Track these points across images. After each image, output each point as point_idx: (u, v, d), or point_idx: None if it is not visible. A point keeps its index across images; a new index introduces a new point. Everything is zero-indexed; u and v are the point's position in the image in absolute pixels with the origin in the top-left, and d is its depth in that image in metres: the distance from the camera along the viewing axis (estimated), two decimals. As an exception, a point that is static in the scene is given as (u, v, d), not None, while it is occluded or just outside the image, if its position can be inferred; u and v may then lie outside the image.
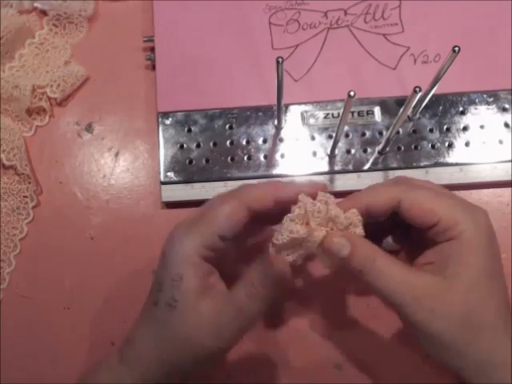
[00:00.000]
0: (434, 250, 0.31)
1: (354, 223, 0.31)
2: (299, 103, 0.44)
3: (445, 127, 0.43)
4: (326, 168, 0.43)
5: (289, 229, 0.30)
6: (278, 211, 0.32)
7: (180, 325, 0.31)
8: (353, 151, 0.43)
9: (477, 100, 0.44)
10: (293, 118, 0.44)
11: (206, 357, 0.31)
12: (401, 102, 0.43)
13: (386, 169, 0.43)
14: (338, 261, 0.30)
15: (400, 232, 0.35)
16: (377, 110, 0.44)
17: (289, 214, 0.30)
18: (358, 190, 0.42)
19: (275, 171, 0.43)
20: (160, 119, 0.44)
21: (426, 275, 0.30)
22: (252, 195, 0.32)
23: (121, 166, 0.45)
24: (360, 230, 0.31)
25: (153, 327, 0.32)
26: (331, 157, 0.43)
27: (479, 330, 0.29)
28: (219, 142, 0.43)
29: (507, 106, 0.44)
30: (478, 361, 0.29)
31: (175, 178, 0.43)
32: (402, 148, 0.43)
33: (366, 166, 0.43)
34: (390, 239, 0.36)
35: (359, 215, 0.31)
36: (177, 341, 0.31)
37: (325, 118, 0.44)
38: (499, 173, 0.42)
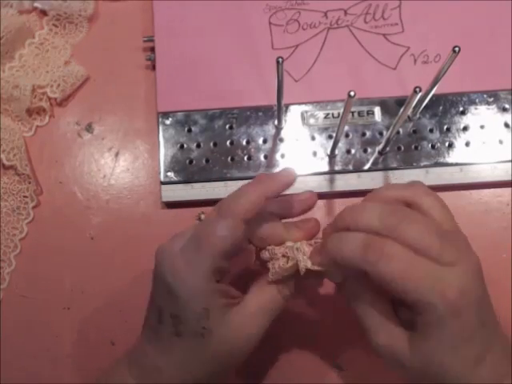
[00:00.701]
0: (408, 310, 0.31)
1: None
2: (299, 103, 0.44)
3: (445, 127, 0.43)
4: (326, 168, 0.43)
5: (275, 270, 0.33)
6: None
7: (220, 343, 0.32)
8: (353, 151, 0.43)
9: (477, 100, 0.44)
10: (293, 117, 0.44)
11: (250, 350, 0.33)
12: (401, 102, 0.43)
13: (386, 169, 0.43)
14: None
15: None
16: (377, 110, 0.44)
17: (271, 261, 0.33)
18: (358, 191, 0.42)
19: (275, 171, 0.43)
20: (160, 119, 0.44)
21: (400, 328, 0.31)
22: (243, 208, 0.31)
23: (121, 165, 0.45)
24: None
25: (183, 356, 0.32)
26: (331, 157, 0.43)
27: None
28: (219, 141, 0.43)
29: (507, 105, 0.44)
30: None
31: (175, 178, 0.43)
32: (402, 148, 0.43)
33: (366, 166, 0.43)
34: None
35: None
36: (218, 357, 0.32)
37: (325, 117, 0.44)
38: (499, 173, 0.42)
